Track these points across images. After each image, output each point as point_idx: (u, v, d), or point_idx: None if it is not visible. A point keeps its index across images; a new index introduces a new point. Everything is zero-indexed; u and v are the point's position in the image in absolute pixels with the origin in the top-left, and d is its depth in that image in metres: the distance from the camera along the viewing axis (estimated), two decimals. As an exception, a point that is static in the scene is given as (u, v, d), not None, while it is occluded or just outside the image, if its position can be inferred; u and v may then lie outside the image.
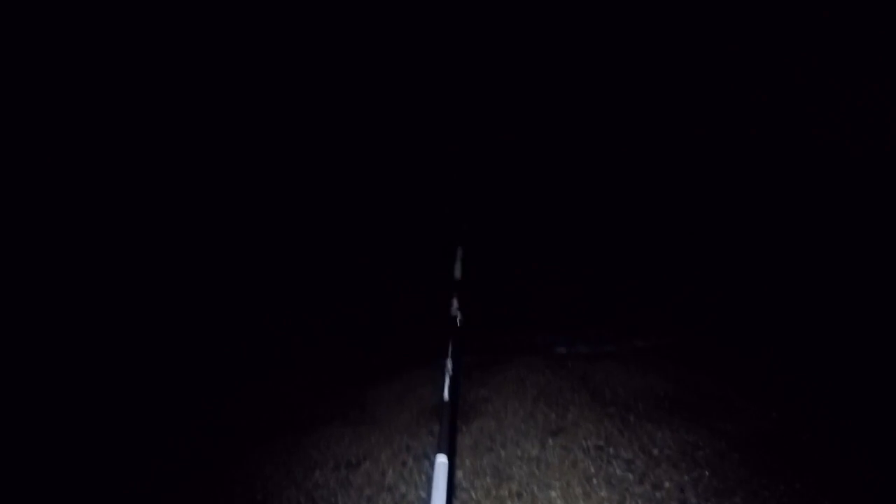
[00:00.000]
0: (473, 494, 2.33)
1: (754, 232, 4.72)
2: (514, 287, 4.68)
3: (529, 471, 2.41)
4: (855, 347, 3.08)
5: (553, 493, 2.29)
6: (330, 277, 4.85)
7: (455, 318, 2.98)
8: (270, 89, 5.49)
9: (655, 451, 2.43)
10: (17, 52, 4.47)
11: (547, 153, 5.92)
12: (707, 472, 2.29)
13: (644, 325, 3.76)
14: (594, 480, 2.32)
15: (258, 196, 5.32)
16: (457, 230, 4.44)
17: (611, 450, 2.49)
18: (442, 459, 1.70)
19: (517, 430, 2.68)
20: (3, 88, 4.42)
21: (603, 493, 2.24)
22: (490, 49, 5.79)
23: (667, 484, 2.23)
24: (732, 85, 5.34)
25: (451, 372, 2.29)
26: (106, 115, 4.89)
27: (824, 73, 4.78)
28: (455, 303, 3.11)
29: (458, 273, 3.71)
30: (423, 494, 2.33)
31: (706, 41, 5.37)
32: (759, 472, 2.26)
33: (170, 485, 2.60)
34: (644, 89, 5.68)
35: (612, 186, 5.68)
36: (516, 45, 5.80)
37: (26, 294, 4.14)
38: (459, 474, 2.46)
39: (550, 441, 2.59)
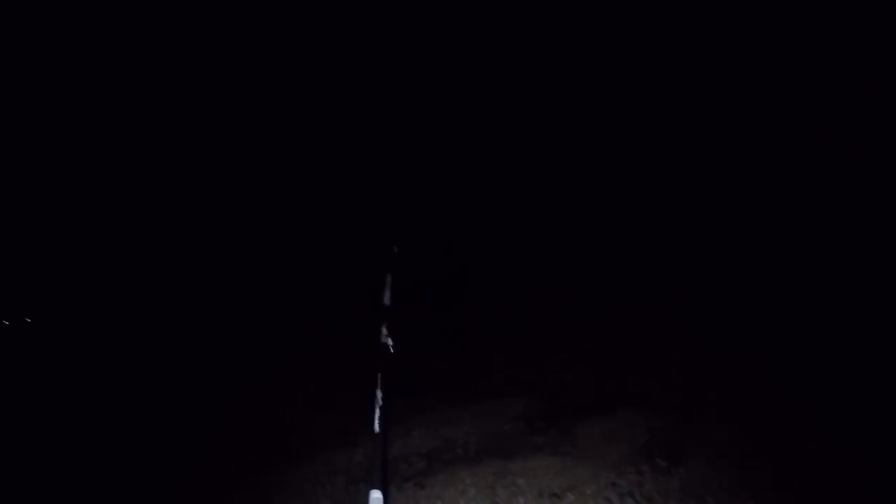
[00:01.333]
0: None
1: (754, 232, 4.72)
2: (514, 287, 4.68)
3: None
4: (855, 347, 3.07)
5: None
6: (330, 277, 4.84)
7: (387, 346, 2.87)
8: (271, 89, 5.49)
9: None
10: (17, 52, 4.47)
11: (547, 153, 5.92)
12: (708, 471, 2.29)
13: (644, 325, 3.76)
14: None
15: (258, 196, 5.32)
16: (387, 255, 4.34)
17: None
18: (376, 495, 1.65)
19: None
20: (3, 88, 4.42)
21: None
22: (490, 49, 5.79)
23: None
24: (732, 85, 5.33)
25: (381, 402, 2.21)
26: (106, 115, 4.89)
27: (824, 73, 4.78)
28: (385, 329, 2.99)
29: (387, 300, 3.59)
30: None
31: (706, 41, 5.36)
32: (761, 471, 2.26)
33: (170, 485, 2.60)
34: (644, 89, 5.68)
35: (611, 186, 5.68)
36: (516, 44, 5.80)
37: (27, 294, 4.14)
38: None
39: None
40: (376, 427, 2.06)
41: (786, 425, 2.53)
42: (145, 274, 4.59)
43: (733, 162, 5.25)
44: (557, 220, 5.53)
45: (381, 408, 2.16)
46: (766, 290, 3.98)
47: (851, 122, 4.60)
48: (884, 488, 2.11)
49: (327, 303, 4.55)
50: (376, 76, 5.74)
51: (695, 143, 5.44)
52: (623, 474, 2.43)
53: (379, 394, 2.25)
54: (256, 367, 3.73)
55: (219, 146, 5.28)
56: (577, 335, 3.76)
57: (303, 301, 4.57)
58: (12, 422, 3.08)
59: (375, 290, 4.51)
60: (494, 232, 5.41)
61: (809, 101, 4.88)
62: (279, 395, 3.36)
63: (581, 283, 4.52)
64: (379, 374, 2.49)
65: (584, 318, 4.02)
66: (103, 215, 4.75)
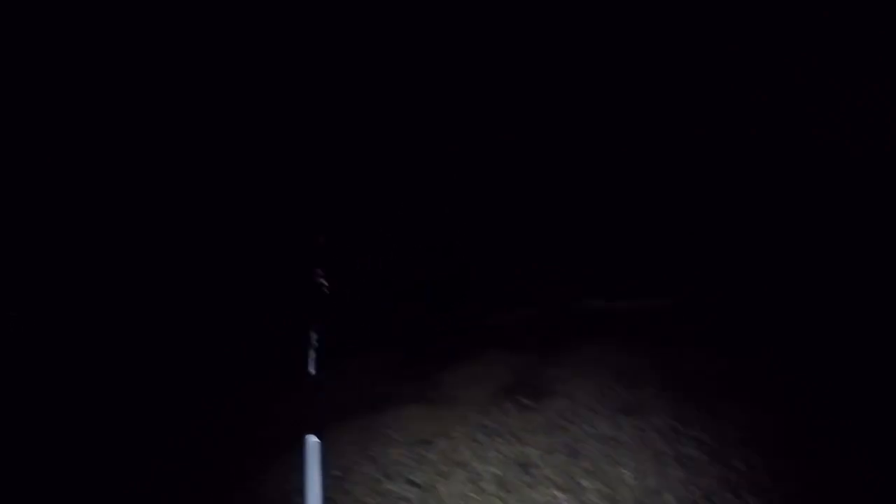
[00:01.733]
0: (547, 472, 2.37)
1: (754, 232, 4.72)
2: (514, 287, 4.68)
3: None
4: (855, 347, 3.08)
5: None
6: (330, 278, 4.84)
7: (321, 285, 3.06)
8: (272, 89, 5.48)
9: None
10: (17, 51, 4.48)
11: (547, 153, 5.92)
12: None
13: (644, 325, 3.76)
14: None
15: (258, 196, 5.32)
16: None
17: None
18: (314, 440, 1.75)
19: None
20: (3, 88, 4.42)
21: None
22: (490, 49, 5.79)
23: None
24: (732, 85, 5.34)
25: (316, 345, 2.41)
26: (106, 115, 4.89)
27: (824, 73, 4.78)
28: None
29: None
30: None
31: (706, 41, 5.36)
32: (761, 471, 2.26)
33: (170, 485, 2.60)
34: (644, 89, 5.68)
35: (612, 186, 5.68)
36: (516, 44, 5.80)
37: (27, 295, 4.14)
38: (534, 452, 2.54)
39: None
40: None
41: (786, 425, 2.53)
42: (145, 274, 4.59)
43: (733, 162, 5.25)
44: (557, 221, 5.54)
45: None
46: (766, 290, 3.98)
47: (851, 122, 4.60)
48: (884, 488, 2.11)
49: (327, 303, 4.55)
50: (376, 76, 5.74)
51: (695, 143, 5.44)
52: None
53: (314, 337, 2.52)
54: (256, 367, 3.74)
55: (219, 146, 5.28)
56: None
57: (303, 301, 4.57)
58: (13, 422, 3.08)
59: (375, 291, 4.52)
60: (494, 232, 5.42)
61: (809, 101, 4.88)
62: (279, 396, 3.36)
63: (581, 283, 4.52)
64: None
65: (583, 317, 4.02)
66: (103, 216, 4.75)
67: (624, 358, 3.30)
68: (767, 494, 2.14)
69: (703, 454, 2.40)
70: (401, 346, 3.92)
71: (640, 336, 3.58)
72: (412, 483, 2.38)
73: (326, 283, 3.32)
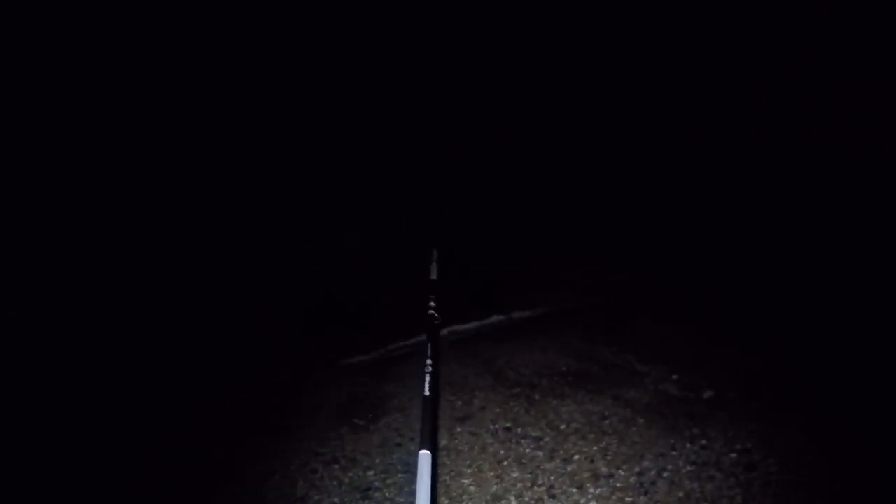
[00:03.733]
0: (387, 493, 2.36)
1: (754, 232, 4.72)
2: (513, 287, 4.68)
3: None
4: (855, 347, 3.08)
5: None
6: (330, 277, 4.85)
7: (433, 316, 3.05)
8: (272, 89, 5.49)
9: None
10: (17, 51, 4.48)
11: (547, 153, 5.92)
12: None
13: (644, 324, 3.76)
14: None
15: (258, 195, 5.32)
16: (432, 232, 4.51)
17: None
18: (425, 454, 1.74)
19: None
20: (3, 88, 4.42)
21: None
22: (490, 49, 5.79)
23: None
24: (732, 85, 5.34)
25: (430, 369, 2.36)
26: (106, 115, 4.89)
27: (824, 73, 4.78)
28: (432, 303, 3.16)
29: (434, 274, 3.79)
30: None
31: (706, 41, 5.36)
32: (762, 470, 2.26)
33: (170, 485, 2.60)
34: (644, 89, 5.68)
35: (611, 186, 5.68)
36: (516, 44, 5.80)
37: (26, 294, 4.14)
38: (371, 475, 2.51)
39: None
40: (426, 391, 2.23)
41: (786, 425, 2.53)
42: (145, 274, 4.59)
43: (733, 162, 5.25)
44: (557, 221, 5.54)
45: (430, 374, 2.35)
46: (766, 290, 3.98)
47: (851, 122, 4.60)
48: (884, 488, 2.11)
49: (327, 303, 4.56)
50: (376, 76, 5.74)
51: (695, 143, 5.45)
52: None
53: (429, 361, 2.45)
54: (256, 367, 3.74)
55: (218, 146, 5.28)
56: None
57: (302, 301, 4.57)
58: (12, 422, 3.08)
59: (375, 290, 4.52)
60: (494, 232, 5.42)
61: (809, 101, 4.88)
62: (279, 395, 3.36)
63: (581, 283, 4.52)
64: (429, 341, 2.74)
65: (582, 317, 4.02)
66: (103, 215, 4.75)
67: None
68: (768, 493, 2.14)
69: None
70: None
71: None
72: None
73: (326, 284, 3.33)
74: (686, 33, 5.46)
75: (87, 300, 4.23)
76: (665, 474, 2.28)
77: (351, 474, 2.51)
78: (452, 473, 2.42)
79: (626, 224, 5.31)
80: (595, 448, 2.50)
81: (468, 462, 2.49)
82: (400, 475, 2.45)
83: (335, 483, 2.46)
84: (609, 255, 4.90)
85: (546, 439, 2.60)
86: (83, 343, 3.86)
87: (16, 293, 4.08)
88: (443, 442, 2.65)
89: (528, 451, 2.53)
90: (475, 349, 3.62)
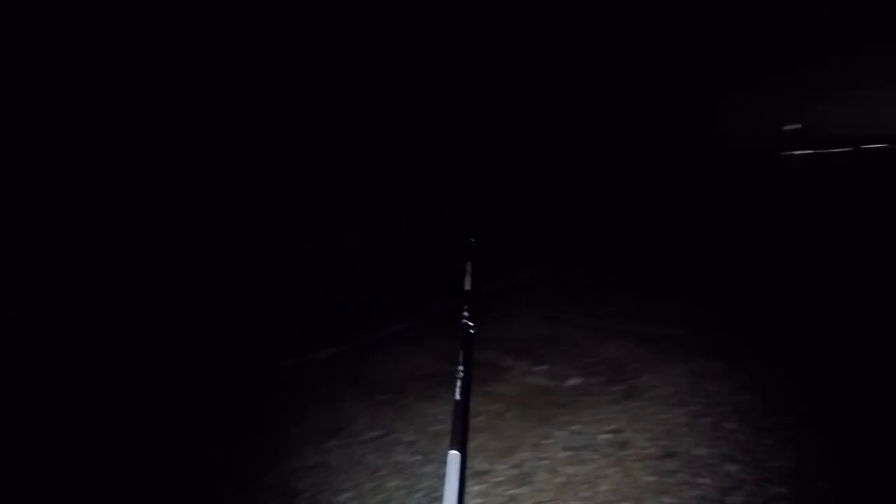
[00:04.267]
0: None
1: (754, 232, 4.73)
2: (513, 287, 4.68)
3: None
4: (855, 348, 3.08)
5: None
6: (330, 277, 4.84)
7: (467, 325, 3.07)
8: (273, 89, 5.48)
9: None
10: (17, 51, 4.47)
11: (546, 153, 5.92)
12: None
13: (643, 325, 3.76)
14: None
15: (259, 196, 5.32)
16: (465, 245, 4.52)
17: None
18: (454, 454, 1.76)
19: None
20: (3, 88, 4.42)
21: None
22: (490, 49, 5.79)
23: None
24: (732, 85, 5.35)
25: (462, 374, 2.38)
26: (105, 115, 4.89)
27: (824, 72, 4.79)
28: (466, 312, 3.18)
29: (468, 285, 3.81)
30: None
31: (706, 41, 5.37)
32: (761, 470, 2.26)
33: (170, 485, 2.60)
34: (644, 89, 5.69)
35: (611, 186, 5.68)
36: (516, 45, 5.80)
37: (26, 294, 4.14)
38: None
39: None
40: (457, 395, 2.25)
41: (786, 425, 2.53)
42: (146, 274, 4.59)
43: (733, 162, 5.26)
44: (557, 221, 5.54)
45: (462, 379, 2.36)
46: (766, 290, 3.98)
47: (852, 122, 4.61)
48: (884, 488, 2.11)
49: (327, 303, 4.56)
50: (377, 76, 5.74)
51: (695, 143, 5.45)
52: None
53: (460, 367, 2.46)
54: (256, 367, 3.74)
55: (219, 146, 5.28)
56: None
57: (302, 300, 4.57)
58: (13, 422, 3.08)
59: (375, 290, 4.52)
60: (494, 232, 5.42)
61: (809, 100, 4.89)
62: (279, 395, 3.36)
63: (581, 283, 4.52)
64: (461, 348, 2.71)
65: (582, 317, 4.02)
66: (103, 215, 4.75)
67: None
68: (767, 494, 2.14)
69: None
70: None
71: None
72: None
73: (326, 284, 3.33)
74: (686, 33, 5.46)
75: (86, 300, 4.23)
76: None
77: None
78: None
79: (625, 224, 5.31)
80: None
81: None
82: (400, 479, 2.44)
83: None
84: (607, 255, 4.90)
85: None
86: (83, 343, 3.86)
87: (16, 293, 4.08)
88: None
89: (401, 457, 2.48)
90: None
